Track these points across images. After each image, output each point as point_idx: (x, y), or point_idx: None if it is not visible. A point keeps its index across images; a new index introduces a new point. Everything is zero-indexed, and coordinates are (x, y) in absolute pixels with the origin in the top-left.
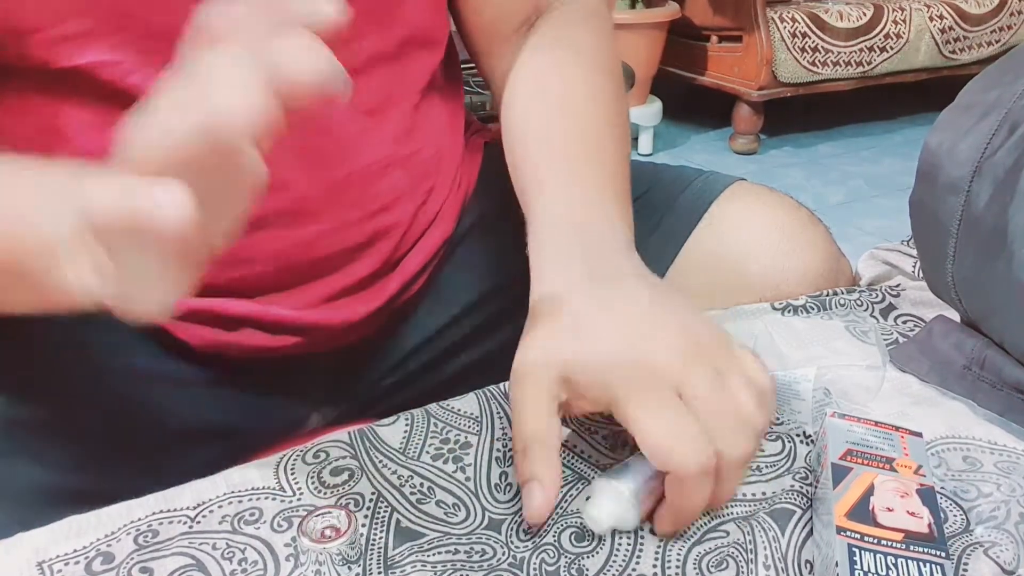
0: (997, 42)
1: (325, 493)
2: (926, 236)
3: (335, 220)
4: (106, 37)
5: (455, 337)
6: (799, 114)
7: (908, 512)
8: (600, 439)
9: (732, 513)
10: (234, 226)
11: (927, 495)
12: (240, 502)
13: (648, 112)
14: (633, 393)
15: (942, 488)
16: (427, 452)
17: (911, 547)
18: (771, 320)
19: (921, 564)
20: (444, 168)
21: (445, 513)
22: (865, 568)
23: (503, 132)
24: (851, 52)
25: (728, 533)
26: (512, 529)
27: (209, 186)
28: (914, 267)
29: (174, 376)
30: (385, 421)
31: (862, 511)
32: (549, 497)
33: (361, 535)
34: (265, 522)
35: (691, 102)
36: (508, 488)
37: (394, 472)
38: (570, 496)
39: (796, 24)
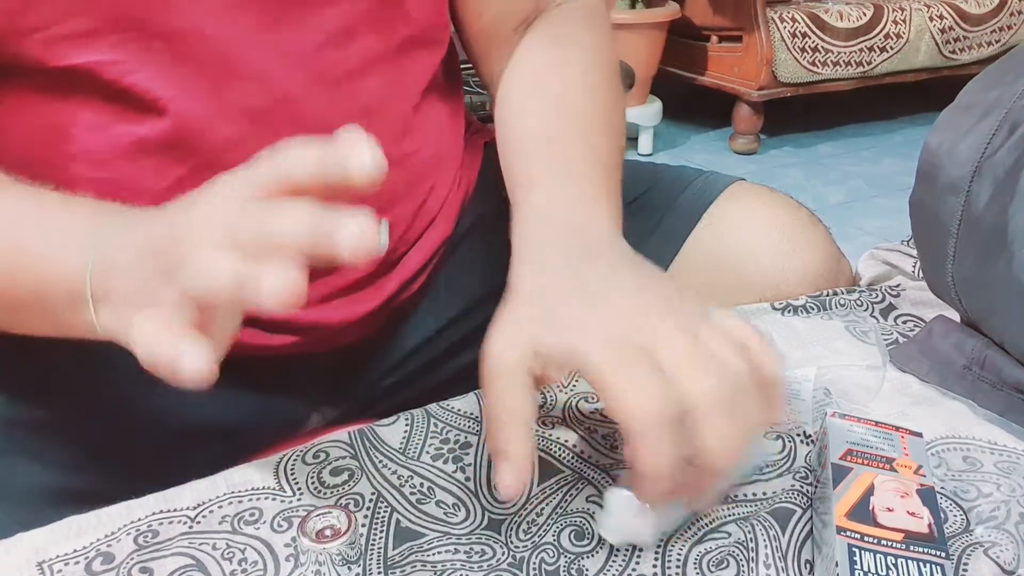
0: (997, 42)
1: (325, 493)
2: (926, 236)
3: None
4: (106, 37)
5: (455, 337)
6: (799, 114)
7: (908, 512)
8: (600, 439)
9: (733, 513)
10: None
11: (927, 495)
12: (240, 502)
13: (648, 112)
14: (597, 350)
15: (942, 488)
16: (427, 452)
17: (911, 547)
18: (771, 320)
19: (921, 564)
20: (444, 168)
21: (445, 513)
22: (865, 568)
23: (496, 129)
24: (851, 52)
25: (729, 533)
26: (512, 529)
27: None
28: (914, 267)
29: None
30: (385, 421)
31: (862, 511)
32: (521, 474)
33: (361, 535)
34: (265, 522)
35: (691, 102)
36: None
37: (394, 472)
38: (570, 496)
39: (796, 24)
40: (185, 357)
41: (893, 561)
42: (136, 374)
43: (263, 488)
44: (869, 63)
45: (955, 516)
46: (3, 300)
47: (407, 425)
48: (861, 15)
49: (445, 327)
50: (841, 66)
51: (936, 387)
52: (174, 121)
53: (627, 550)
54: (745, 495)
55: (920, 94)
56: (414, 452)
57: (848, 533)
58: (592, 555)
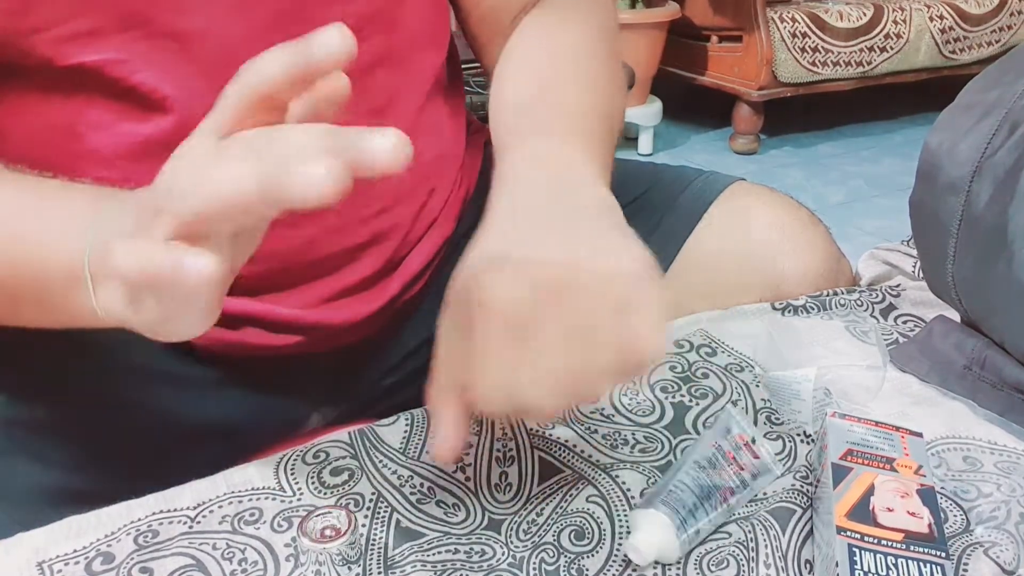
0: (997, 42)
1: (325, 493)
2: (926, 236)
3: (336, 220)
4: (113, 36)
5: None
6: (799, 114)
7: (908, 512)
8: (600, 439)
9: (733, 513)
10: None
11: (927, 495)
12: (240, 502)
13: (648, 112)
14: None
15: (942, 488)
16: (427, 452)
17: (911, 547)
18: (771, 320)
19: (921, 564)
20: (445, 169)
21: (445, 513)
22: (865, 568)
23: (489, 105)
24: (851, 52)
25: (729, 533)
26: (512, 529)
27: (237, 235)
28: (914, 267)
29: (174, 375)
30: (385, 421)
31: (862, 511)
32: (448, 435)
33: (361, 535)
34: (265, 522)
35: (691, 102)
36: (508, 488)
37: (394, 472)
38: (570, 496)
39: (796, 24)
40: (187, 259)
41: (893, 561)
42: (136, 374)
43: (263, 488)
44: (869, 63)
45: (955, 516)
46: (4, 291)
47: (407, 425)
48: (861, 15)
49: None
50: (841, 66)
51: (936, 387)
52: (180, 120)
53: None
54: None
55: (920, 94)
56: (414, 452)
57: (848, 533)
58: (592, 555)
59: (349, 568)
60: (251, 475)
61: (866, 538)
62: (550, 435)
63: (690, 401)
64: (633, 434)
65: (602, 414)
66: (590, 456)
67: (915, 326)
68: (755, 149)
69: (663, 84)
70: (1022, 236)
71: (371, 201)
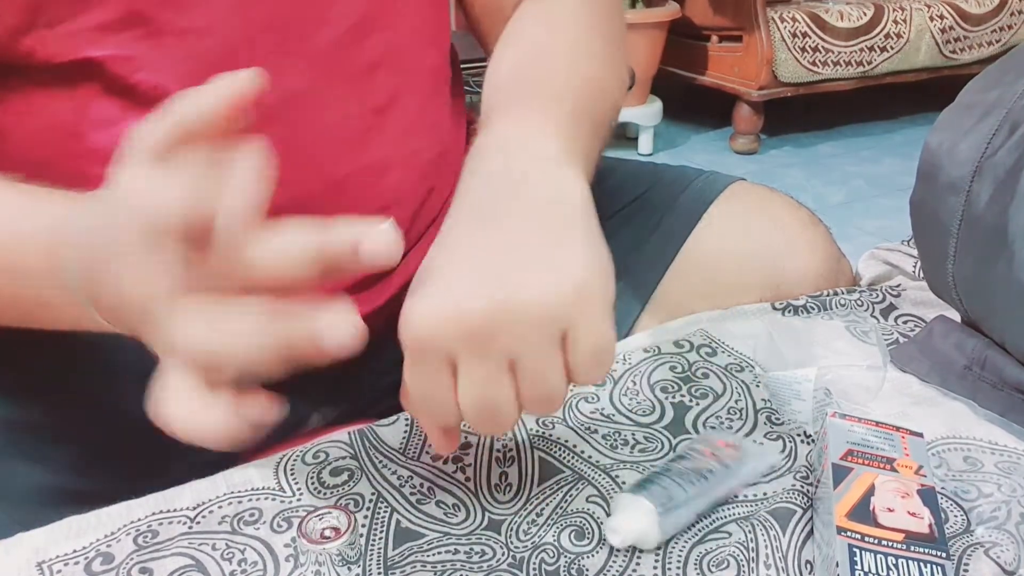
0: (997, 42)
1: (325, 493)
2: (927, 236)
3: (335, 219)
4: (118, 32)
5: None
6: (799, 114)
7: (909, 512)
8: (600, 439)
9: (733, 513)
10: None
11: (928, 495)
12: (240, 502)
13: (648, 112)
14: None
15: (943, 488)
16: (427, 452)
17: (912, 547)
18: (771, 320)
19: (922, 564)
20: (445, 168)
21: (445, 513)
22: (866, 568)
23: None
24: (851, 52)
25: (729, 533)
26: (512, 529)
27: None
28: (915, 267)
29: None
30: (385, 421)
31: (863, 511)
32: (436, 444)
33: (361, 535)
34: (265, 522)
35: (691, 102)
36: (508, 488)
37: (394, 472)
38: (570, 496)
39: (796, 24)
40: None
41: (894, 561)
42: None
43: (263, 488)
44: (869, 63)
45: (956, 516)
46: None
47: (407, 425)
48: (861, 15)
49: None
50: (841, 66)
51: (937, 387)
52: None
53: (627, 550)
54: (745, 495)
55: (920, 94)
56: (414, 452)
57: (849, 533)
58: (592, 555)
59: (349, 568)
60: (251, 475)
61: (866, 538)
62: (550, 435)
63: (690, 401)
64: (633, 434)
65: (602, 414)
66: (590, 456)
67: (915, 326)
68: (755, 149)
69: (663, 84)
70: (1022, 236)
71: (370, 199)
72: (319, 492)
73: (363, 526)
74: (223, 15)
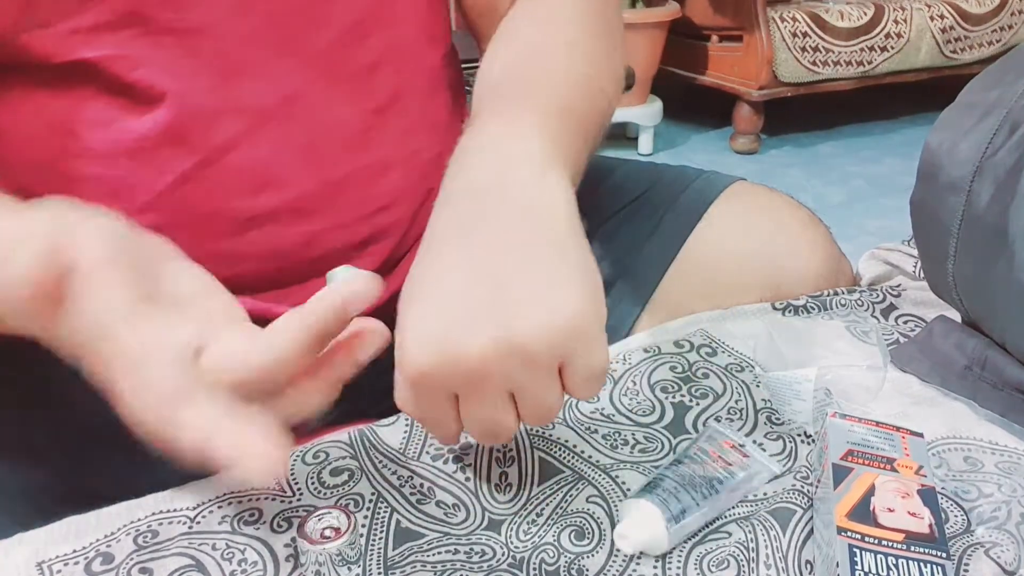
0: (998, 42)
1: (325, 494)
2: (927, 236)
3: (334, 219)
4: (115, 32)
5: None
6: (799, 114)
7: (909, 512)
8: (600, 439)
9: (733, 513)
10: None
11: (928, 495)
12: (240, 502)
13: (648, 112)
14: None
15: (943, 488)
16: (427, 452)
17: (912, 547)
18: (771, 320)
19: (922, 564)
20: (445, 168)
21: (445, 513)
22: (866, 568)
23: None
24: (852, 52)
25: (729, 533)
26: (512, 529)
27: None
28: (915, 267)
29: None
30: (385, 421)
31: (863, 511)
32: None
33: (361, 535)
34: (265, 522)
35: (691, 102)
36: (508, 488)
37: (394, 472)
38: (570, 496)
39: (797, 24)
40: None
41: (894, 561)
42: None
43: (263, 488)
44: (870, 63)
45: (956, 516)
46: None
47: (407, 425)
48: (862, 15)
49: None
50: (842, 66)
51: (937, 387)
52: (178, 117)
53: (632, 553)
54: (746, 496)
55: (921, 94)
56: (414, 452)
57: (849, 533)
58: (592, 555)
59: (349, 568)
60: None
61: (867, 538)
62: (550, 435)
63: (690, 401)
64: (633, 434)
65: (602, 414)
66: (590, 456)
67: (916, 326)
68: (755, 149)
69: (663, 84)
70: (1023, 236)
71: (370, 200)
72: (319, 492)
73: (363, 526)
74: (222, 14)
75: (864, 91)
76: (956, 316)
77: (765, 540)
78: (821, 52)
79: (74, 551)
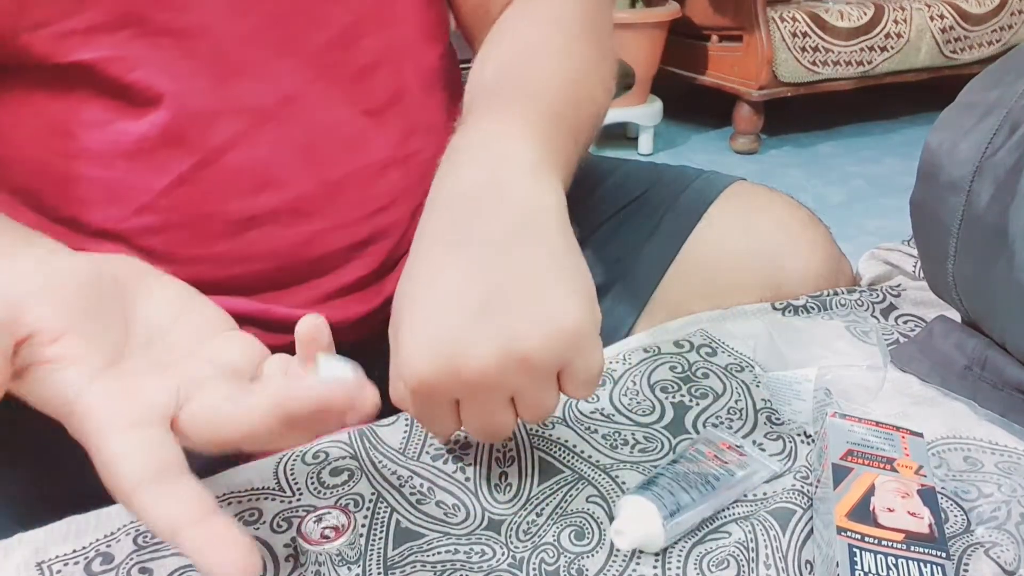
0: (998, 41)
1: (325, 493)
2: (927, 236)
3: (333, 219)
4: (112, 33)
5: None
6: (799, 114)
7: (909, 512)
8: (600, 439)
9: (733, 513)
10: None
11: (928, 495)
12: (240, 503)
13: (648, 112)
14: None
15: (943, 488)
16: (427, 452)
17: (912, 547)
18: (771, 320)
19: (922, 564)
20: None
21: (445, 513)
22: (866, 568)
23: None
24: (852, 52)
25: (729, 533)
26: (512, 529)
27: None
28: (915, 267)
29: None
30: (385, 421)
31: (863, 511)
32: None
33: (361, 535)
34: (265, 522)
35: (691, 102)
36: (508, 488)
37: (394, 472)
38: (570, 496)
39: (796, 24)
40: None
41: (894, 561)
42: None
43: (263, 488)
44: (870, 63)
45: (956, 516)
46: None
47: (407, 425)
48: (862, 15)
49: None
50: (842, 66)
51: (937, 387)
52: (176, 118)
53: (627, 550)
54: (746, 495)
55: (921, 94)
56: (414, 452)
57: (849, 533)
58: (592, 555)
59: (349, 568)
60: (250, 475)
61: (866, 538)
62: (550, 435)
63: (690, 401)
64: (633, 434)
65: (602, 414)
66: (590, 456)
67: (916, 326)
68: (755, 149)
69: (663, 84)
70: (1023, 236)
71: (368, 200)
72: (319, 492)
73: (363, 526)
74: (219, 15)
75: (864, 91)
76: (956, 316)
77: (765, 540)
78: (821, 52)
79: (74, 551)
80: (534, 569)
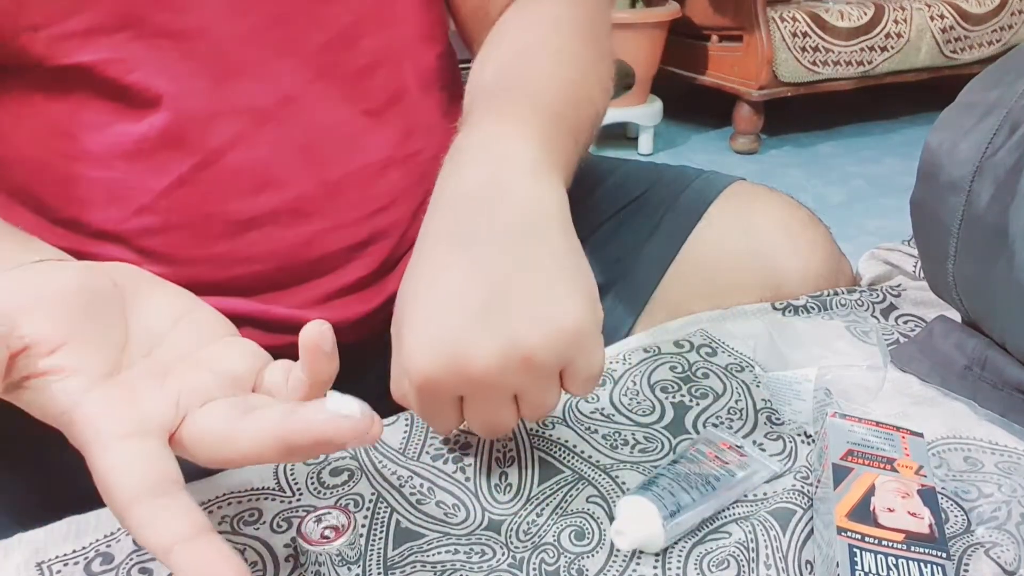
0: (998, 41)
1: (325, 494)
2: (927, 236)
3: (333, 220)
4: (110, 35)
5: None
6: (799, 114)
7: (909, 512)
8: (600, 439)
9: (733, 513)
10: None
11: (928, 495)
12: (240, 503)
13: (648, 112)
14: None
15: (943, 488)
16: (427, 452)
17: (912, 547)
18: (771, 320)
19: (922, 564)
20: None
21: (445, 514)
22: (866, 568)
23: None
24: (852, 52)
25: (729, 533)
26: (512, 529)
27: None
28: (915, 267)
29: None
30: (385, 421)
31: (863, 511)
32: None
33: (361, 535)
34: (265, 523)
35: (691, 102)
36: (508, 488)
37: (394, 472)
38: (570, 496)
39: (797, 24)
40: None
41: (894, 561)
42: None
43: (263, 488)
44: (870, 63)
45: (956, 516)
46: None
47: (407, 425)
48: (862, 15)
49: None
50: (842, 66)
51: (937, 387)
52: (175, 119)
53: (627, 551)
54: (746, 495)
55: (921, 94)
56: (414, 452)
57: (849, 533)
58: (592, 555)
59: (349, 569)
60: (251, 475)
61: (867, 538)
62: (550, 435)
63: (690, 401)
64: (633, 434)
65: (602, 414)
66: (590, 456)
67: (916, 326)
68: (755, 149)
69: (663, 84)
70: (1023, 236)
71: (368, 201)
72: (319, 492)
73: (363, 526)
74: (218, 16)
75: (864, 91)
76: (956, 316)
77: (765, 540)
78: (821, 52)
79: (74, 551)
80: (534, 569)
